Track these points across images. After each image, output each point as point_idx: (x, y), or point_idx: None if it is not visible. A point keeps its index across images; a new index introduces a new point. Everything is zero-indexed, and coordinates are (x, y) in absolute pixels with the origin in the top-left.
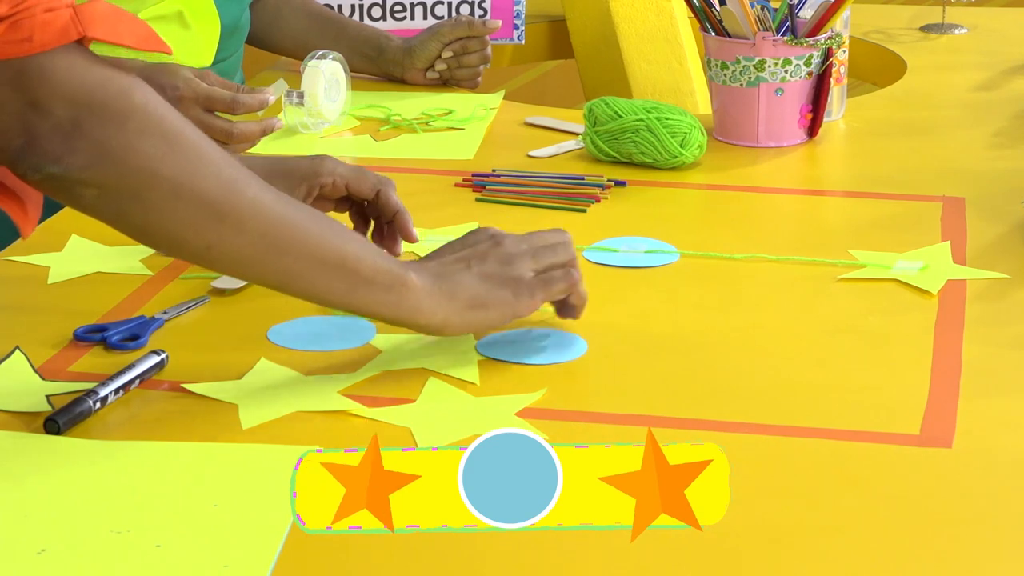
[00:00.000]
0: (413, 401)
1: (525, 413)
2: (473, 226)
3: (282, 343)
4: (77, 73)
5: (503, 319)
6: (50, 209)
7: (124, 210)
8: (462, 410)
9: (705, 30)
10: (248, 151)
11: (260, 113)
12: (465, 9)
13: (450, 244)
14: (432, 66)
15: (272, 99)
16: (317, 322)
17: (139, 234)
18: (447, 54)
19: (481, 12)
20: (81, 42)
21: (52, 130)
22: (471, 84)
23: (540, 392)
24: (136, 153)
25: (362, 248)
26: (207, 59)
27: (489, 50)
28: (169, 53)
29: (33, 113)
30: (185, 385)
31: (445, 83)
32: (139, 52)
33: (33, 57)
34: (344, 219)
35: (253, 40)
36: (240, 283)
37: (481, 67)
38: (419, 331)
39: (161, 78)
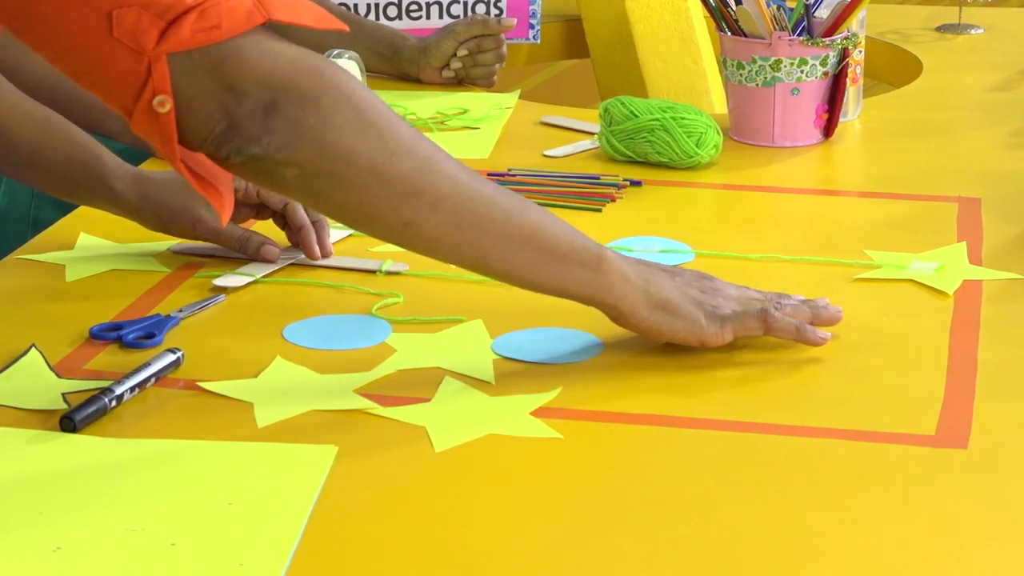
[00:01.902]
0: (428, 400)
1: (540, 412)
2: None
3: (298, 342)
4: (268, 55)
5: (688, 336)
6: (59, 211)
7: (323, 188)
8: (477, 409)
9: (721, 30)
10: None
11: None
12: (481, 8)
13: (657, 262)
14: (447, 65)
15: None
16: (333, 321)
17: (338, 213)
18: (462, 53)
19: (497, 11)
20: (266, 26)
21: (251, 112)
22: (486, 83)
23: (555, 391)
24: (333, 130)
25: (558, 225)
26: None
27: (504, 49)
28: (346, 31)
29: (231, 97)
30: (201, 383)
31: (460, 82)
32: (319, 31)
33: (225, 43)
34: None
35: None
36: (243, 281)
37: (496, 66)
38: (607, 313)
39: None
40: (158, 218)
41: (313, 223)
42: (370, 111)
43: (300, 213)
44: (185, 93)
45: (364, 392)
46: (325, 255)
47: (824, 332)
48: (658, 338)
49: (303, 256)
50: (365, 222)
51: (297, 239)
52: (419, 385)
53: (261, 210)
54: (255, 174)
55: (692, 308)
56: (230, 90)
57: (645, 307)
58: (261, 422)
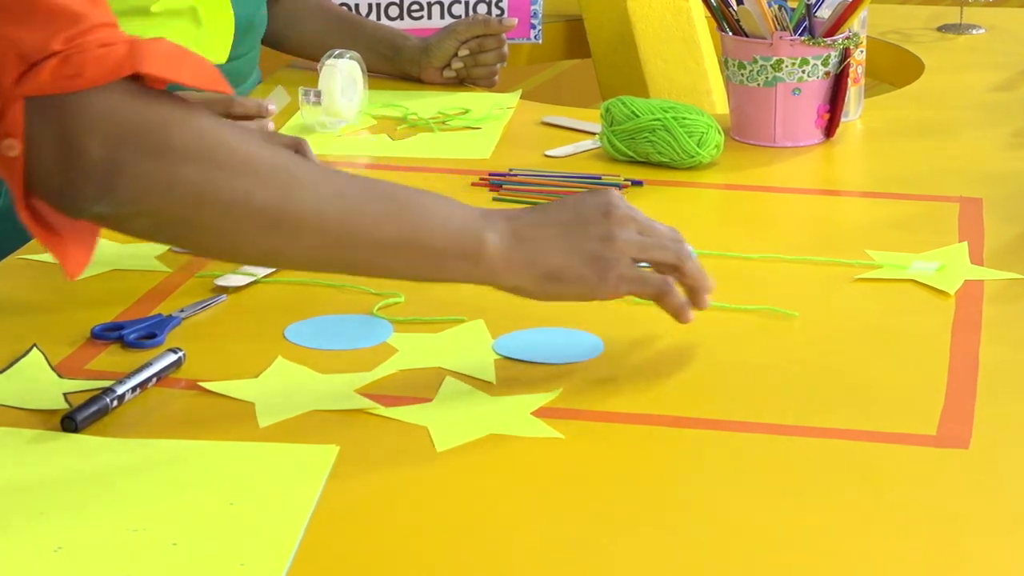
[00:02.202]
0: (430, 400)
1: (541, 412)
2: None
3: (299, 342)
4: (116, 109)
5: (579, 297)
6: None
7: (179, 234)
8: (478, 409)
9: (722, 29)
10: None
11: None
12: (482, 8)
13: (563, 201)
14: (449, 65)
15: (274, 108)
16: (334, 321)
17: (198, 251)
18: (463, 52)
19: (498, 11)
20: (138, 78)
21: (90, 171)
22: (488, 83)
23: (556, 392)
24: (180, 182)
25: (434, 217)
26: (221, 56)
27: (506, 48)
28: (230, 93)
29: (71, 153)
30: (202, 383)
31: (462, 82)
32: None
33: (74, 94)
34: None
35: (270, 42)
36: (244, 281)
37: (498, 66)
38: (499, 289)
39: None
40: None
41: None
42: (221, 154)
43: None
44: (33, 140)
45: (365, 392)
46: None
47: (692, 315)
48: (549, 301)
49: None
50: (228, 257)
51: None
52: (420, 385)
53: None
54: (105, 225)
55: (584, 269)
56: (70, 145)
57: (531, 281)
58: (262, 422)
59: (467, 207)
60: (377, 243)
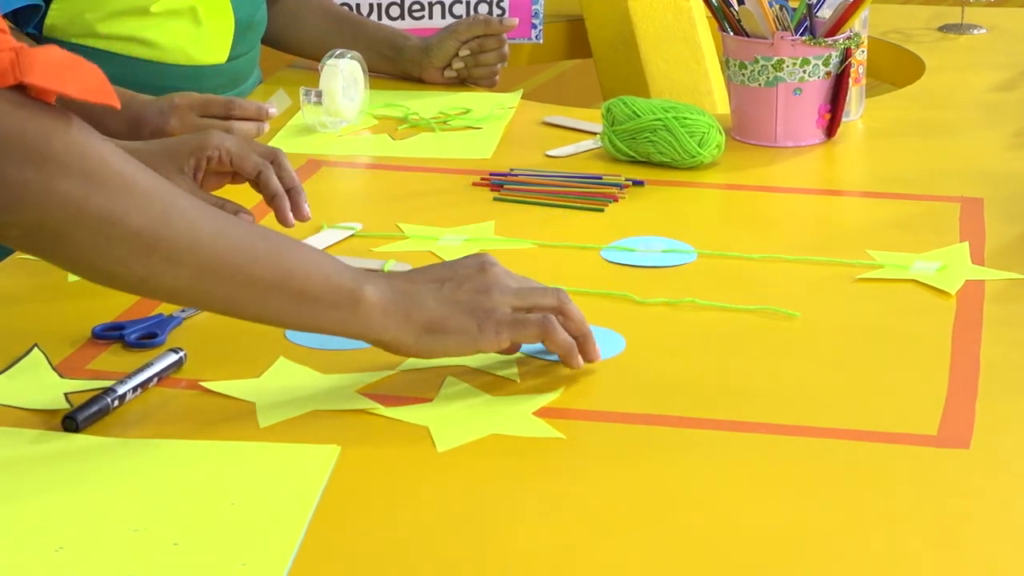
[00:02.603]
0: (430, 400)
1: (542, 412)
2: (488, 226)
3: (301, 342)
4: None
5: (461, 349)
6: None
7: (51, 248)
8: (479, 409)
9: (723, 29)
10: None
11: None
12: (483, 8)
13: (438, 264)
14: (450, 65)
15: (274, 111)
16: None
17: (71, 269)
18: (464, 52)
19: (499, 11)
20: (23, 87)
21: None
22: (489, 83)
23: (557, 392)
24: (55, 195)
25: (312, 265)
26: (221, 56)
27: (506, 48)
28: (117, 107)
29: None
30: (203, 383)
31: (463, 82)
32: (84, 102)
33: None
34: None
35: (271, 41)
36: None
37: (498, 66)
38: (376, 346)
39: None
40: None
41: (288, 190)
42: (101, 173)
43: (273, 181)
44: None
45: (367, 392)
46: (302, 219)
47: (581, 361)
48: (431, 358)
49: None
50: (101, 279)
51: (272, 205)
52: (421, 385)
53: (235, 177)
54: None
55: (463, 319)
56: None
57: (410, 335)
58: (263, 422)
59: (346, 264)
60: (252, 282)
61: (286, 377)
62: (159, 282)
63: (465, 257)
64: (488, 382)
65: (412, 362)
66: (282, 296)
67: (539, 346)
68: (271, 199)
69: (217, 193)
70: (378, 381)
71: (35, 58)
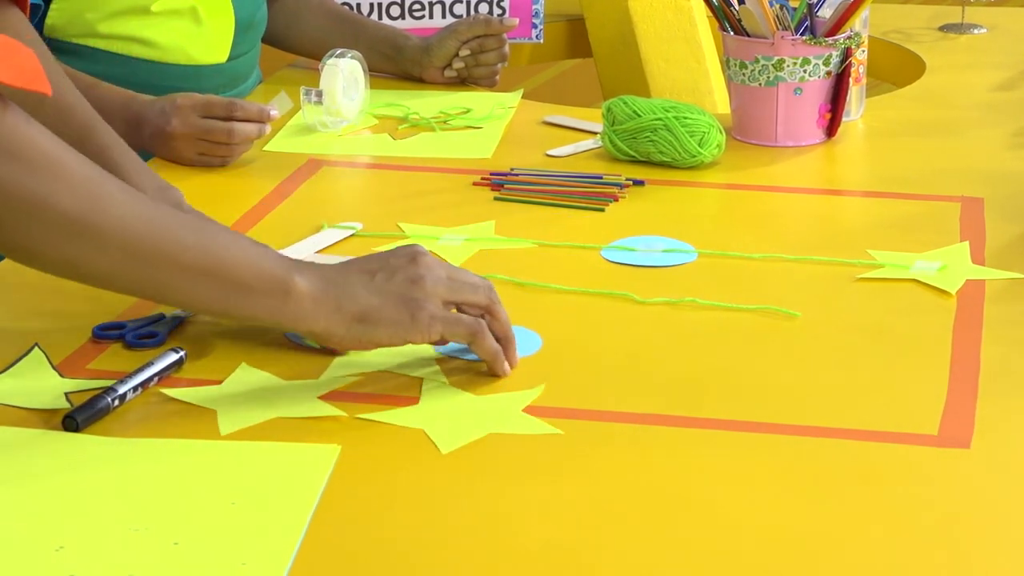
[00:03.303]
0: (416, 402)
1: (542, 412)
2: (489, 226)
3: (299, 340)
4: None
5: (392, 339)
6: None
7: None
8: (470, 409)
9: (724, 29)
10: (253, 145)
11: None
12: (484, 8)
13: (372, 254)
14: (450, 65)
15: (276, 113)
16: None
17: (3, 251)
18: (464, 52)
19: (500, 11)
20: None
21: None
22: (489, 82)
23: (539, 388)
24: None
25: (242, 253)
26: (222, 55)
27: (507, 48)
28: (48, 94)
29: None
30: (164, 390)
31: (463, 81)
32: (13, 89)
33: None
34: None
35: (272, 40)
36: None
37: (499, 65)
38: (305, 336)
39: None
40: None
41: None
42: (31, 155)
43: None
44: None
45: (343, 394)
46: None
47: (508, 367)
48: (365, 349)
49: None
50: (29, 261)
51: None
52: (402, 386)
53: None
54: None
55: (394, 310)
56: None
57: (340, 325)
58: (224, 429)
59: (277, 252)
60: (182, 268)
61: (250, 383)
62: (88, 268)
63: (397, 248)
64: (462, 381)
65: (359, 365)
66: (212, 284)
67: (455, 346)
68: None
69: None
70: (348, 385)
71: None
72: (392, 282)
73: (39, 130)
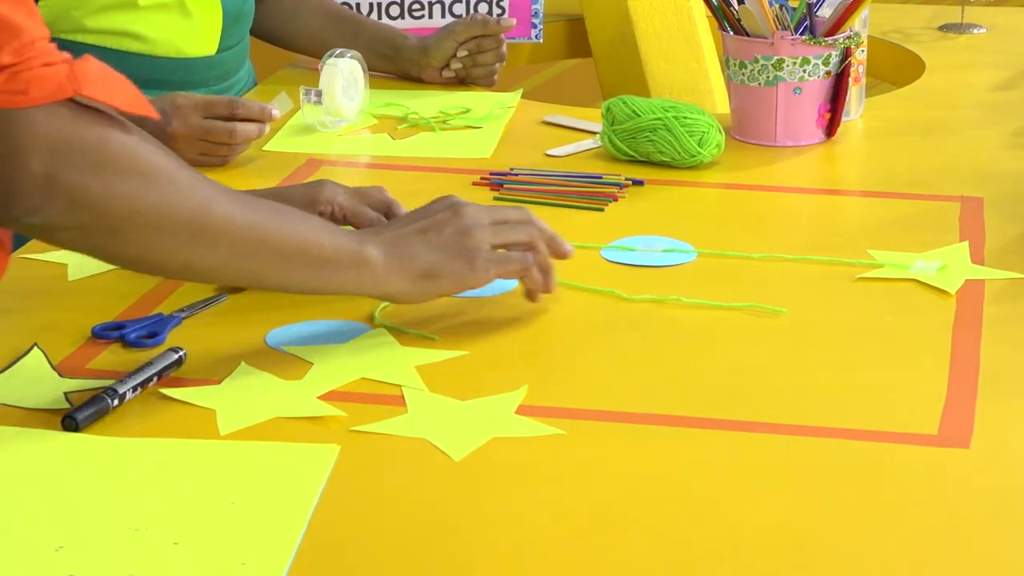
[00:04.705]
0: (406, 411)
1: (540, 412)
2: None
3: (275, 344)
4: (57, 127)
5: (455, 288)
6: None
7: (103, 245)
8: (463, 414)
9: (723, 29)
10: (252, 145)
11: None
12: (483, 8)
13: (411, 213)
14: (448, 65)
15: (277, 113)
16: (318, 326)
17: (116, 262)
18: (462, 53)
19: (499, 11)
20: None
21: (30, 184)
22: (487, 82)
23: (523, 388)
24: (114, 197)
25: (321, 232)
26: (211, 48)
27: (504, 48)
28: (156, 118)
29: (11, 166)
30: (164, 390)
31: (461, 81)
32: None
33: (20, 110)
34: None
35: (271, 38)
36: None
37: (497, 65)
38: (381, 299)
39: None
40: None
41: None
42: (151, 171)
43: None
44: None
45: (335, 396)
46: None
47: (541, 296)
48: (429, 300)
49: None
50: (144, 268)
51: None
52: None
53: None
54: (31, 234)
55: (452, 261)
56: (11, 159)
57: (409, 282)
58: (223, 430)
59: (339, 227)
60: (280, 253)
61: (247, 383)
62: (200, 265)
63: (434, 202)
64: (446, 387)
65: (333, 379)
66: (303, 265)
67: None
68: None
69: None
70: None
71: (85, 70)
72: (443, 236)
73: (154, 145)
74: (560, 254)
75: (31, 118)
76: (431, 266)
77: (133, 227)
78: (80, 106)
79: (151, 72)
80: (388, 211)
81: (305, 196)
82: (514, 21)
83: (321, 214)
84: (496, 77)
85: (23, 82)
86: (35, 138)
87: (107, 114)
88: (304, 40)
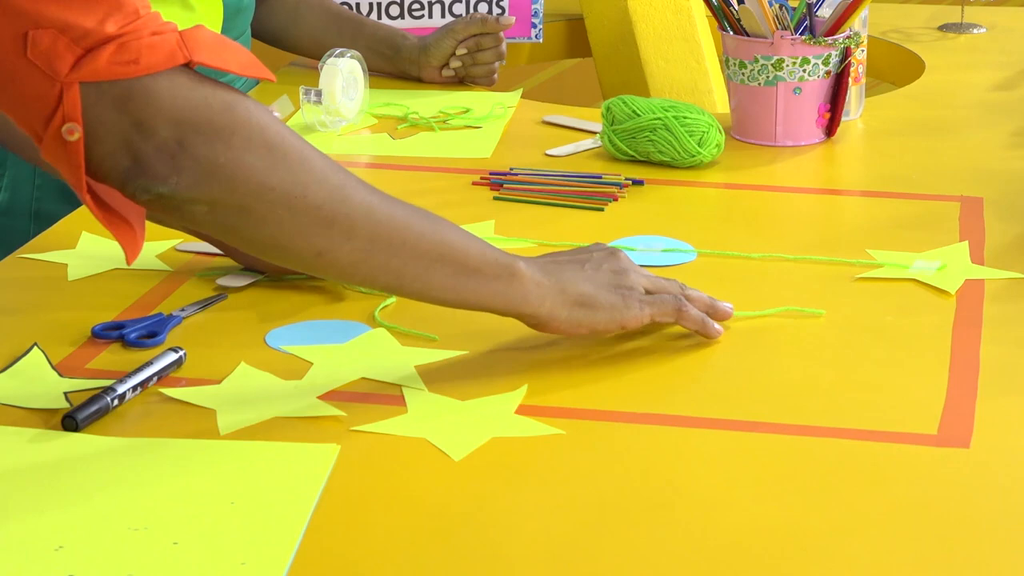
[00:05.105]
0: (405, 411)
1: (539, 411)
2: (488, 226)
3: (275, 345)
4: (180, 93)
5: (609, 324)
6: (62, 203)
7: (234, 224)
8: (464, 412)
9: (723, 29)
10: None
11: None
12: (483, 7)
13: (570, 250)
14: (447, 64)
15: (277, 115)
16: (317, 325)
17: (249, 245)
18: (461, 51)
19: (499, 11)
20: (187, 66)
21: (158, 151)
22: (487, 81)
23: (523, 388)
24: (243, 167)
25: (469, 240)
26: None
27: (503, 47)
28: (272, 80)
29: (138, 135)
30: (163, 390)
31: (461, 80)
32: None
33: (139, 79)
34: None
35: (272, 39)
36: (246, 281)
37: (496, 64)
38: (526, 322)
39: None
40: None
41: None
42: (282, 146)
43: None
44: (93, 124)
45: (335, 396)
46: None
47: (719, 326)
48: (580, 333)
49: None
50: (277, 253)
51: None
52: (391, 388)
53: None
54: (164, 211)
55: (609, 295)
56: (138, 127)
57: (564, 307)
58: (223, 429)
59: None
60: (419, 254)
61: (247, 383)
62: (335, 256)
63: (592, 245)
64: (446, 387)
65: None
66: (445, 269)
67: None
68: None
69: None
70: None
71: (196, 37)
72: (601, 272)
73: (282, 124)
74: (721, 315)
75: (151, 86)
76: (589, 296)
77: (263, 204)
78: (199, 76)
79: None
80: None
81: None
82: (513, 19)
83: None
84: (496, 76)
85: (133, 52)
86: (159, 106)
87: (227, 86)
88: (305, 41)
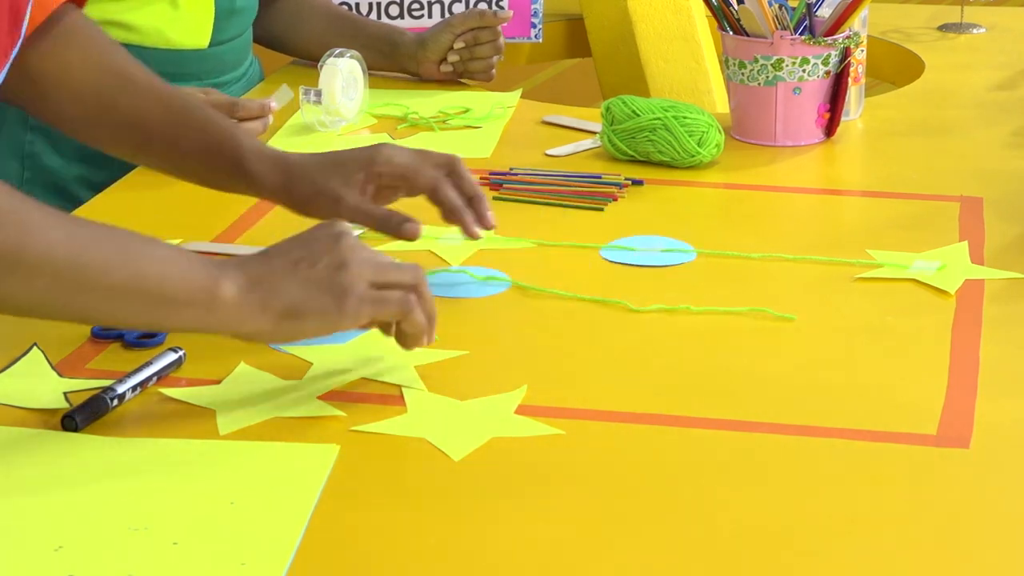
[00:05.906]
0: (405, 410)
1: (539, 412)
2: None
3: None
4: None
5: (320, 331)
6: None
7: None
8: (461, 414)
9: (723, 29)
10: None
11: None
12: (482, 7)
13: (293, 238)
14: (445, 59)
15: (275, 106)
16: None
17: None
18: (459, 45)
19: (499, 9)
20: None
21: None
22: (485, 76)
23: (523, 388)
24: None
25: (168, 266)
26: (202, 40)
27: (501, 41)
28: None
29: None
30: (163, 390)
31: (459, 76)
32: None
33: None
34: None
35: (274, 43)
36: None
37: (494, 58)
38: (240, 340)
39: None
40: (300, 198)
41: (470, 199)
42: None
43: (450, 195)
44: None
45: (335, 396)
46: (487, 228)
47: (425, 341)
48: (290, 342)
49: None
50: None
51: (453, 220)
52: (390, 388)
53: (410, 190)
54: None
55: (320, 299)
56: None
57: (268, 323)
58: (223, 429)
59: (201, 258)
60: (107, 288)
61: (247, 383)
62: (19, 299)
63: (319, 227)
64: (446, 387)
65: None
66: (135, 301)
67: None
68: (450, 214)
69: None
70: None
71: None
72: (316, 270)
73: None
74: (419, 342)
75: None
76: (295, 305)
77: None
78: None
79: (142, 62)
80: (451, 170)
81: (361, 158)
82: (511, 13)
83: (379, 175)
84: (494, 72)
85: None
86: None
87: None
88: (307, 44)
